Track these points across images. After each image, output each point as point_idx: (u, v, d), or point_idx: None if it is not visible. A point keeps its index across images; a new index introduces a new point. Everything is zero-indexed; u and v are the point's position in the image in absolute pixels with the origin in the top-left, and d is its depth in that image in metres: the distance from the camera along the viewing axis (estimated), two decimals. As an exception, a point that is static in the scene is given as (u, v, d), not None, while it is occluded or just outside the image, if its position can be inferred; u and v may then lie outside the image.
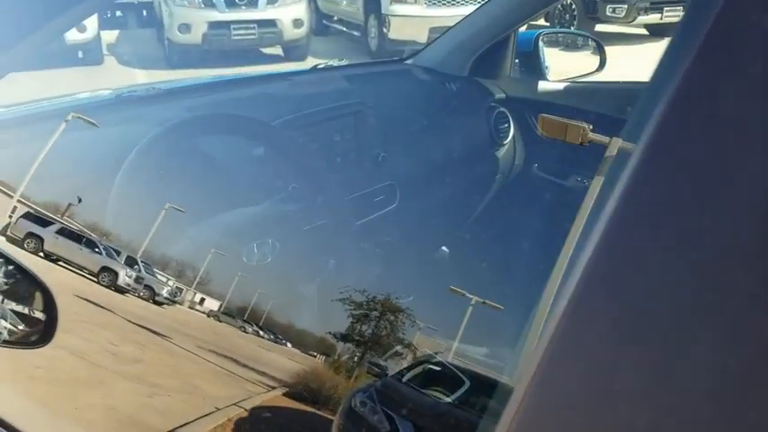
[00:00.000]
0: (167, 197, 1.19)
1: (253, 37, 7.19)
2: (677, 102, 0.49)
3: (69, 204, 1.83)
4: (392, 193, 1.69)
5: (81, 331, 1.61)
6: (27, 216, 1.87)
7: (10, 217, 1.73)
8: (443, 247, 2.36)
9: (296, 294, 1.62)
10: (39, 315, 1.21)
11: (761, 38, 0.48)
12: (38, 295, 1.19)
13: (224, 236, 1.16)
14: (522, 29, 2.22)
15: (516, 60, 2.23)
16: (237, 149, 1.47)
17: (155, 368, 1.68)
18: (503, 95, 2.15)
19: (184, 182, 1.35)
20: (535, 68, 2.23)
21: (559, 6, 3.17)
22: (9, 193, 1.64)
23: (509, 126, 2.13)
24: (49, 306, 1.17)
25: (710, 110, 0.49)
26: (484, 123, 2.06)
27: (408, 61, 2.29)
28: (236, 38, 7.18)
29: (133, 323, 1.78)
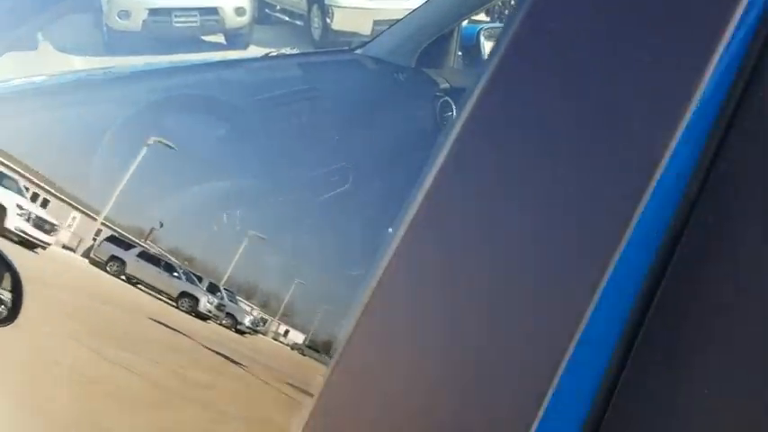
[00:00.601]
0: (143, 172, 1.25)
1: (194, 24, 7.09)
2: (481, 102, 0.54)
3: (152, 229, 1.81)
4: (345, 175, 1.79)
5: (149, 352, 1.58)
6: (111, 239, 1.84)
7: (94, 239, 1.72)
8: (389, 229, 2.48)
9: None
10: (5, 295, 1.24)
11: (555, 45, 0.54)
12: (6, 276, 1.23)
13: (199, 206, 1.24)
14: (465, 23, 2.35)
15: (459, 53, 2.36)
16: (204, 129, 1.55)
17: (226, 395, 1.66)
18: (447, 86, 2.28)
19: (159, 158, 1.42)
20: (476, 61, 2.36)
21: (499, 2, 3.32)
22: (93, 215, 1.63)
23: (452, 114, 2.26)
24: (16, 286, 1.21)
25: (509, 112, 0.54)
26: (430, 111, 2.18)
27: (357, 51, 2.40)
28: (177, 25, 7.07)
29: (208, 348, 1.76)
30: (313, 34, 8.49)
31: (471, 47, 2.36)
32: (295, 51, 2.37)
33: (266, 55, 2.46)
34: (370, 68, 2.22)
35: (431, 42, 2.24)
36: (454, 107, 2.27)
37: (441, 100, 2.22)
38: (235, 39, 8.53)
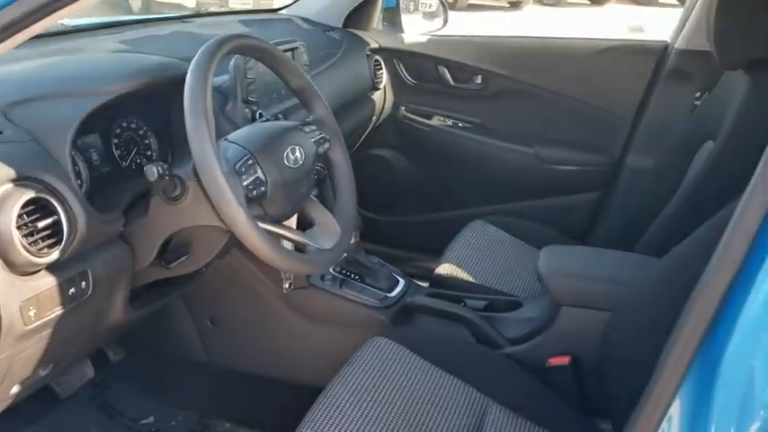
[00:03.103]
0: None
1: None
2: None
3: None
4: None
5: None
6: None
7: None
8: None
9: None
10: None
11: None
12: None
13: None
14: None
15: (381, 15, 2.52)
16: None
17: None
18: (376, 45, 2.42)
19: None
20: (396, 23, 2.53)
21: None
22: None
23: (383, 72, 2.42)
24: None
25: None
26: (366, 69, 2.31)
27: (283, 12, 2.45)
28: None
29: None
30: (132, 6, 8.07)
31: (392, 9, 2.51)
32: (225, 9, 2.34)
33: (203, 12, 2.41)
34: (304, 27, 2.29)
35: (359, 4, 2.37)
36: (384, 66, 2.43)
37: (373, 59, 2.36)
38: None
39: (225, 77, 1.55)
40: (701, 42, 2.02)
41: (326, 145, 1.40)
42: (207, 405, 1.88)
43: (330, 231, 1.35)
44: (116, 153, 1.41)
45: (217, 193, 1.07)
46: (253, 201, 1.18)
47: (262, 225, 1.17)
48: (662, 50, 2.25)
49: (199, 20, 2.04)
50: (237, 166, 1.16)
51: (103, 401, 1.84)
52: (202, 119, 1.08)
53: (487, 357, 1.58)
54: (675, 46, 2.20)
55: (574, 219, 2.38)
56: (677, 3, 11.57)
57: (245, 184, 1.15)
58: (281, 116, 1.53)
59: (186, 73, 1.39)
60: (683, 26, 2.20)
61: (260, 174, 1.19)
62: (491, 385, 1.42)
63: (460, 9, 13.41)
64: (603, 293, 1.46)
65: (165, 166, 1.15)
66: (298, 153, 1.28)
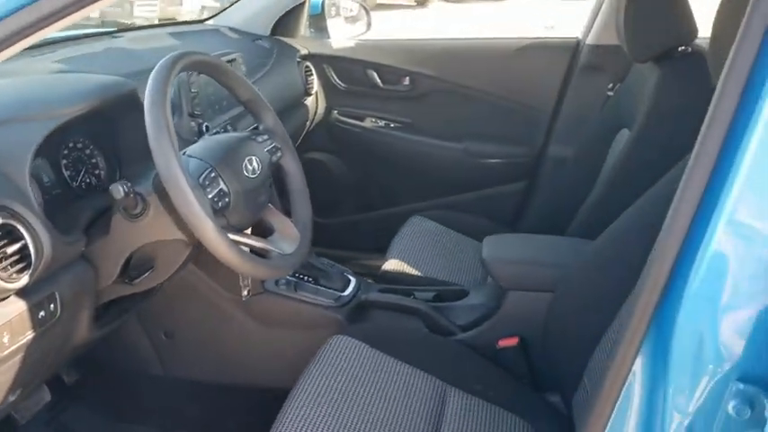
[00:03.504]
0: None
1: None
2: None
3: None
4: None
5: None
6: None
7: None
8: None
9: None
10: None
11: None
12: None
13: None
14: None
15: (307, 22, 2.56)
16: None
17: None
18: (306, 52, 2.47)
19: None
20: (323, 29, 2.58)
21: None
22: None
23: (314, 78, 2.47)
24: None
25: None
26: (297, 75, 2.36)
27: (209, 22, 2.45)
28: None
29: None
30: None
31: (317, 16, 2.56)
32: (145, 24, 2.31)
33: (133, 26, 2.38)
34: (234, 37, 2.31)
35: (286, 12, 2.41)
36: (314, 71, 2.48)
37: (303, 65, 2.40)
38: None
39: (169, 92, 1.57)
40: (611, 37, 2.19)
41: (279, 153, 1.45)
42: (168, 419, 1.88)
43: (290, 236, 1.40)
44: (66, 174, 1.40)
45: (186, 207, 1.10)
46: (217, 212, 1.22)
47: (229, 236, 1.21)
48: (574, 46, 2.41)
49: (129, 34, 2.02)
50: (201, 179, 1.20)
51: (61, 425, 1.81)
52: (165, 135, 1.11)
53: (442, 345, 1.67)
54: (587, 42, 2.37)
55: (503, 208, 2.51)
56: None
57: (210, 196, 1.19)
58: (229, 127, 1.56)
59: (134, 90, 1.40)
60: (593, 22, 2.37)
61: (223, 186, 1.23)
62: (448, 371, 1.50)
63: (370, 9, 13.55)
64: (545, 276, 1.58)
65: (129, 184, 1.17)
66: (255, 163, 1.32)
